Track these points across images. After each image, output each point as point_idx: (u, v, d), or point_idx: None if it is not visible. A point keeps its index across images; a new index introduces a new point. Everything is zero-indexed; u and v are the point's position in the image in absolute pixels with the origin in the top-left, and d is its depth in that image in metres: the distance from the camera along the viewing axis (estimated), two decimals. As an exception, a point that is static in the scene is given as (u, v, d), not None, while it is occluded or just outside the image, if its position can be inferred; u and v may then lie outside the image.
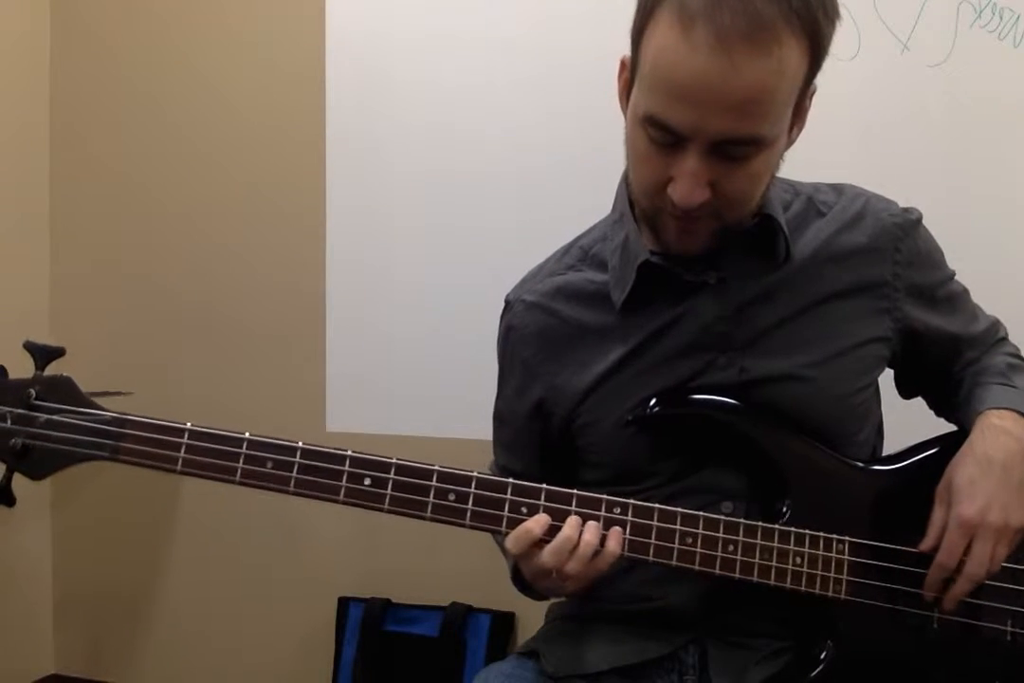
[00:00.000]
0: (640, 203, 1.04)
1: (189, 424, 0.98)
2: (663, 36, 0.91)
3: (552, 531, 0.98)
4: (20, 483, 1.01)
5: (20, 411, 0.96)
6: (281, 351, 2.25)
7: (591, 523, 0.99)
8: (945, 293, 1.16)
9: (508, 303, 1.19)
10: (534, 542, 0.97)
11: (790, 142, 1.02)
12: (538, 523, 0.97)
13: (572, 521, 0.98)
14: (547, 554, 0.96)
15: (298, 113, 2.19)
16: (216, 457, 0.98)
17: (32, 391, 0.96)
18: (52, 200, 2.41)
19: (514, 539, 0.97)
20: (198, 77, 2.29)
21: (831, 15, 0.94)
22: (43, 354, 0.98)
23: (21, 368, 1.01)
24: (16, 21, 2.33)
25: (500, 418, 1.23)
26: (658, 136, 0.95)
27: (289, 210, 2.22)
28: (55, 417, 0.96)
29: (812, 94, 1.00)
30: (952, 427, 1.17)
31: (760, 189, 1.01)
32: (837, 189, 1.16)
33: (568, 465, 1.16)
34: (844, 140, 1.79)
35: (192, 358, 2.32)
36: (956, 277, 1.19)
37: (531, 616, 2.03)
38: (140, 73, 2.33)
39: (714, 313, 1.08)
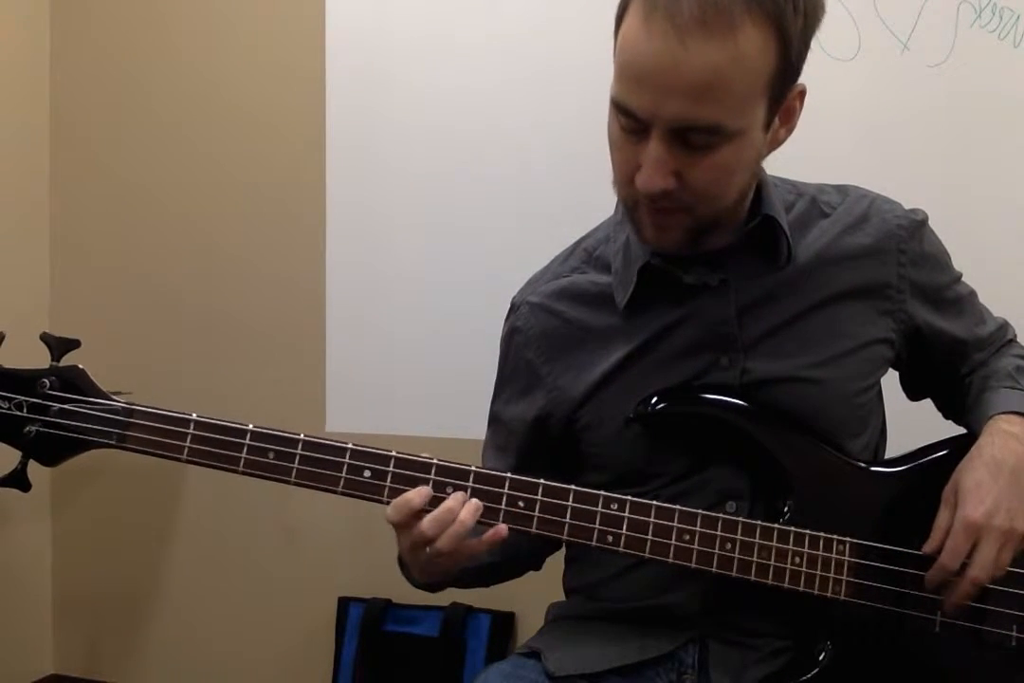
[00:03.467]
0: (620, 195, 1.04)
1: (195, 415, 1.01)
2: (629, 24, 0.94)
3: (434, 503, 0.99)
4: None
5: (35, 400, 1.00)
6: (281, 351, 2.25)
7: (472, 501, 0.99)
8: (951, 295, 1.16)
9: (513, 305, 1.20)
10: (414, 513, 0.98)
11: (775, 141, 1.02)
12: (419, 494, 0.98)
13: (457, 495, 0.99)
14: (427, 522, 0.97)
15: (298, 113, 2.19)
16: (220, 447, 1.00)
17: (47, 381, 1.01)
18: (52, 200, 2.41)
19: (394, 508, 0.98)
20: (198, 77, 2.28)
21: (805, 9, 0.93)
22: (59, 345, 1.02)
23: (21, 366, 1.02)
24: (16, 21, 2.33)
25: (496, 420, 1.23)
26: (626, 123, 0.96)
27: (289, 210, 2.22)
28: (68, 406, 1.00)
29: (800, 95, 1.00)
30: (959, 430, 1.17)
31: (733, 184, 1.00)
32: (841, 190, 1.16)
33: (562, 470, 1.15)
34: (844, 140, 1.79)
35: (192, 358, 2.32)
36: (962, 279, 1.19)
37: (531, 616, 2.03)
38: (140, 73, 2.33)
39: (717, 315, 1.08)
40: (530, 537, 1.14)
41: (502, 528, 0.99)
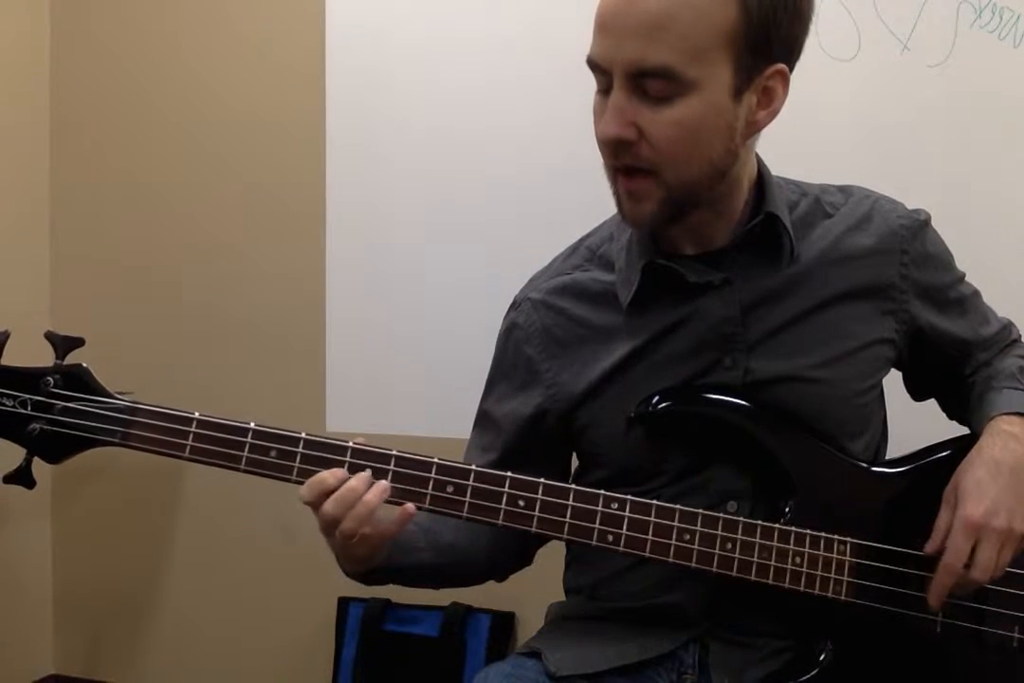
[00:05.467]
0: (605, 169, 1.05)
1: (197, 413, 1.01)
2: None
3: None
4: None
5: (39, 398, 1.01)
6: (281, 351, 2.25)
7: (380, 483, 0.99)
8: (954, 295, 1.17)
9: (515, 303, 1.19)
10: (326, 492, 0.98)
11: (753, 123, 1.01)
12: (333, 474, 0.98)
13: (362, 474, 0.99)
14: (330, 502, 0.97)
15: (298, 113, 2.19)
16: (222, 445, 1.01)
17: (51, 379, 1.01)
18: (52, 199, 2.41)
19: (307, 487, 0.98)
20: (198, 77, 2.28)
21: None
22: (63, 344, 1.03)
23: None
24: (16, 21, 2.33)
25: (485, 419, 1.22)
26: (598, 82, 1.00)
27: (289, 209, 2.22)
28: (71, 404, 1.01)
29: (782, 77, 1.00)
30: (961, 431, 1.17)
31: (698, 150, 0.99)
32: (845, 190, 1.16)
33: (546, 474, 1.11)
34: (844, 140, 1.78)
35: (192, 358, 2.32)
36: (966, 279, 1.19)
37: (531, 616, 2.02)
38: (140, 73, 2.33)
39: (720, 314, 1.08)
40: (494, 544, 1.14)
41: (409, 507, 0.99)
